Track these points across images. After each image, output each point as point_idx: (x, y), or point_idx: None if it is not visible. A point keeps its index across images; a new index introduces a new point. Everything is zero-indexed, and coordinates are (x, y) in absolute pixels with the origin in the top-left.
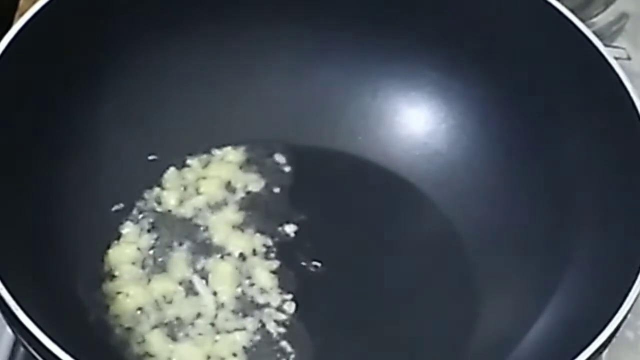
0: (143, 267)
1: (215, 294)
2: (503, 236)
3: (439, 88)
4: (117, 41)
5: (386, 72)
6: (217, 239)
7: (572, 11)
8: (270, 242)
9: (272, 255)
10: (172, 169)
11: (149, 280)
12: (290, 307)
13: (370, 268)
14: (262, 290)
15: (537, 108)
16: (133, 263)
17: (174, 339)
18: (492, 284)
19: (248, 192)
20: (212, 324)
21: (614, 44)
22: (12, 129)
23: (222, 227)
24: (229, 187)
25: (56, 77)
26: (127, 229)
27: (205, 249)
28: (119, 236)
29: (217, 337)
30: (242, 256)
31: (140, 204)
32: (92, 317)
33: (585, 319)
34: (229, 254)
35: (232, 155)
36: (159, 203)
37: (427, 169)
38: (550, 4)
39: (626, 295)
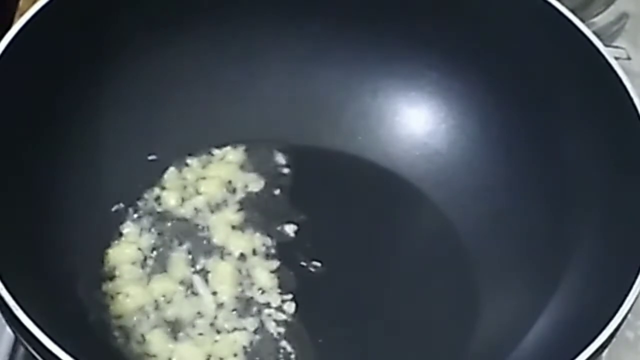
0: (143, 267)
1: (215, 294)
2: (503, 236)
3: (439, 88)
4: (117, 41)
5: (386, 72)
6: (217, 239)
7: (572, 11)
8: (270, 242)
9: (272, 255)
10: (172, 169)
11: (149, 280)
12: (290, 307)
13: (370, 268)
14: (262, 290)
15: (537, 108)
16: (133, 263)
17: (174, 339)
18: (492, 284)
19: (248, 192)
20: (212, 324)
21: (614, 44)
22: (12, 129)
23: (222, 227)
24: (229, 187)
25: (56, 77)
26: (127, 229)
27: (205, 249)
28: (119, 236)
29: (217, 337)
30: (242, 256)
31: (140, 204)
32: (92, 317)
33: (585, 319)
34: (229, 254)
35: (232, 155)
36: (159, 203)
37: (427, 169)
38: (550, 4)
39: (626, 295)
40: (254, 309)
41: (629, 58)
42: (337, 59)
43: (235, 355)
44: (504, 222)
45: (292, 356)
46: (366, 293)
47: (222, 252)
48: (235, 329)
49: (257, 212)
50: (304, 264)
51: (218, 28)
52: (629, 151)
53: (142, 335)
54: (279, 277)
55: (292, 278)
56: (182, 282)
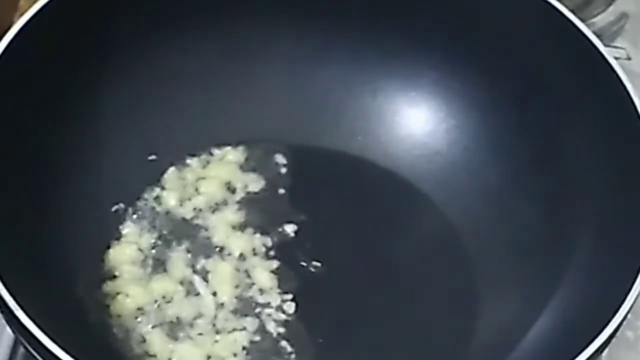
0: (143, 267)
1: (215, 294)
2: (503, 236)
3: (439, 88)
4: (117, 41)
5: (386, 72)
6: (217, 239)
7: (572, 11)
8: (270, 242)
9: (272, 255)
10: (172, 169)
11: (149, 280)
12: (290, 307)
13: (370, 268)
14: (262, 290)
15: (537, 108)
16: (133, 263)
17: (174, 339)
18: (492, 284)
19: (248, 192)
20: (212, 324)
21: (614, 44)
22: (12, 129)
23: (222, 227)
24: (229, 187)
25: (56, 77)
26: (127, 229)
27: (205, 249)
28: (119, 236)
29: (217, 337)
30: (242, 256)
31: (140, 204)
32: (92, 317)
33: (585, 319)
34: (229, 254)
35: (232, 155)
36: (159, 203)
37: (427, 169)
38: (550, 4)
39: (626, 295)
40: (254, 309)
41: (629, 58)
42: (337, 59)
43: (235, 355)
44: (504, 222)
45: (292, 356)
46: (366, 293)
47: (222, 252)
48: (235, 329)
49: (257, 212)
50: (304, 264)
51: (218, 28)
52: (629, 151)
53: (142, 335)
54: (279, 277)
55: (292, 278)
56: (182, 282)
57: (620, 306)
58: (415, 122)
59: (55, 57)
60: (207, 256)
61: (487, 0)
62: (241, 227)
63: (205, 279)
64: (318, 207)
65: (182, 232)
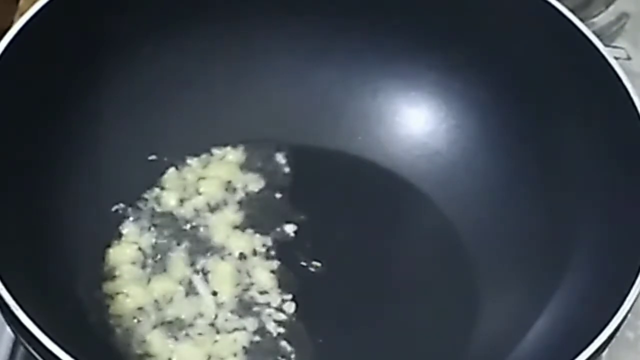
0: (143, 267)
1: (215, 294)
2: (503, 236)
3: (439, 88)
4: (117, 41)
5: (386, 72)
6: (217, 239)
7: (572, 11)
8: (270, 242)
9: (272, 255)
10: (172, 169)
11: (149, 280)
12: (290, 307)
13: (370, 268)
14: (262, 290)
15: (537, 108)
16: (133, 263)
17: (174, 339)
18: (492, 284)
19: (248, 192)
20: (212, 324)
21: (614, 44)
22: (12, 129)
23: (222, 227)
24: (229, 187)
25: (56, 77)
26: (127, 229)
27: (205, 249)
28: (119, 236)
29: (217, 337)
30: (242, 256)
31: (140, 204)
32: (93, 317)
33: (585, 319)
34: (229, 254)
35: (232, 155)
36: (159, 203)
37: (427, 169)
38: (550, 4)
39: (626, 295)
40: (254, 309)
41: (629, 58)
42: (337, 59)
43: (235, 355)
44: (504, 222)
45: (292, 356)
46: (366, 293)
47: (222, 252)
48: (235, 329)
49: (257, 212)
50: (304, 264)
51: (218, 28)
52: (629, 151)
53: (143, 335)
54: (279, 277)
55: (292, 278)
56: (182, 282)
57: (620, 306)
58: (415, 122)
59: (55, 57)
60: (207, 256)
61: (487, 1)
62: (241, 227)
63: (205, 279)
64: (318, 207)
65: (182, 232)
